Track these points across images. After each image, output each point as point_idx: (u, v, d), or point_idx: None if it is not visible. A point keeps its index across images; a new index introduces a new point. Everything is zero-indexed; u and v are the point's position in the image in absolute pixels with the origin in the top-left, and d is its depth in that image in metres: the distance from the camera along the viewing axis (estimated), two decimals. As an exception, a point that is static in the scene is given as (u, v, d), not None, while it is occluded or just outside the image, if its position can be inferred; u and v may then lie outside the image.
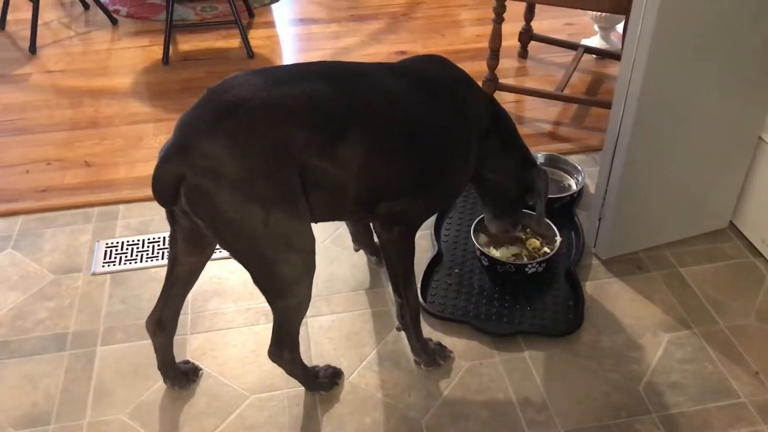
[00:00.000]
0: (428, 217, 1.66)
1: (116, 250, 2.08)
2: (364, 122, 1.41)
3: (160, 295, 1.57)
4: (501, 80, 2.65)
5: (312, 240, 1.42)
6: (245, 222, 1.31)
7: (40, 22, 3.22)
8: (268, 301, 1.47)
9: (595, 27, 3.11)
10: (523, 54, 3.08)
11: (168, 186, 1.31)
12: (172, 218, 1.43)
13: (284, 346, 1.54)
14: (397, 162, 1.49)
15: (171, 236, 1.48)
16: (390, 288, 1.74)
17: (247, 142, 1.29)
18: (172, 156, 1.30)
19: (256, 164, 1.29)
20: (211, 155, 1.27)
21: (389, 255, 1.61)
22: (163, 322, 1.58)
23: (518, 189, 1.74)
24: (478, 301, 1.88)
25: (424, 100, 1.51)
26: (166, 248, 2.08)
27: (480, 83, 2.56)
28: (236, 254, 1.40)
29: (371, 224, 1.61)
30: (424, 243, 2.08)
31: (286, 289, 1.43)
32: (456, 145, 1.56)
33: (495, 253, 1.94)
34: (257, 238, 1.34)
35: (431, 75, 1.56)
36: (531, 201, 1.75)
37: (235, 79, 1.36)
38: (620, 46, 2.87)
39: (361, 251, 2.04)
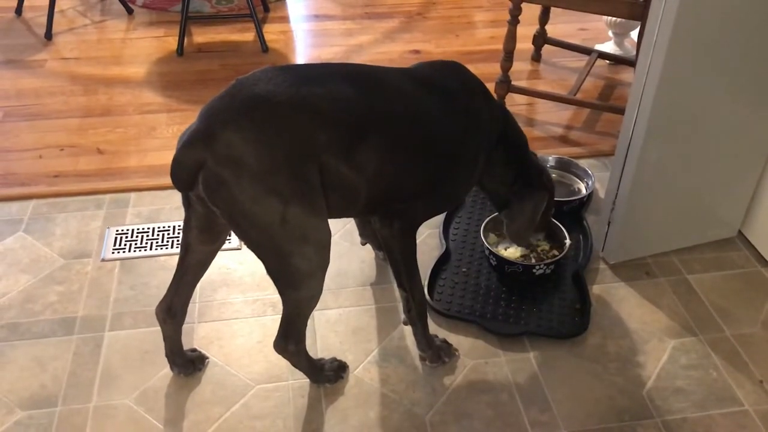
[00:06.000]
0: (428, 218, 1.68)
1: (126, 237, 2.10)
2: (384, 128, 1.43)
3: (171, 283, 1.59)
4: (514, 82, 2.65)
5: (328, 234, 1.43)
6: (262, 214, 1.32)
7: (56, 9, 3.23)
8: (280, 292, 1.47)
9: (609, 33, 3.11)
10: (537, 57, 3.08)
11: (187, 171, 1.32)
12: (187, 203, 1.44)
13: (290, 339, 1.55)
14: (410, 168, 1.50)
15: (185, 223, 1.49)
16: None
17: (271, 136, 1.30)
18: (195, 141, 1.31)
19: (278, 158, 1.30)
20: (234, 145, 1.28)
21: (390, 250, 1.62)
22: (173, 310, 1.59)
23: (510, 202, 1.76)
24: (485, 301, 1.89)
25: (442, 110, 1.53)
26: (176, 237, 2.09)
27: (493, 85, 2.57)
28: (251, 244, 1.40)
29: (371, 220, 1.62)
30: (432, 241, 2.09)
31: (299, 281, 1.44)
32: (466, 156, 1.59)
33: (503, 252, 1.95)
34: (274, 230, 1.34)
35: (450, 85, 1.58)
36: (504, 218, 1.77)
37: (264, 73, 1.37)
38: (634, 53, 2.87)
39: (369, 246, 2.04)
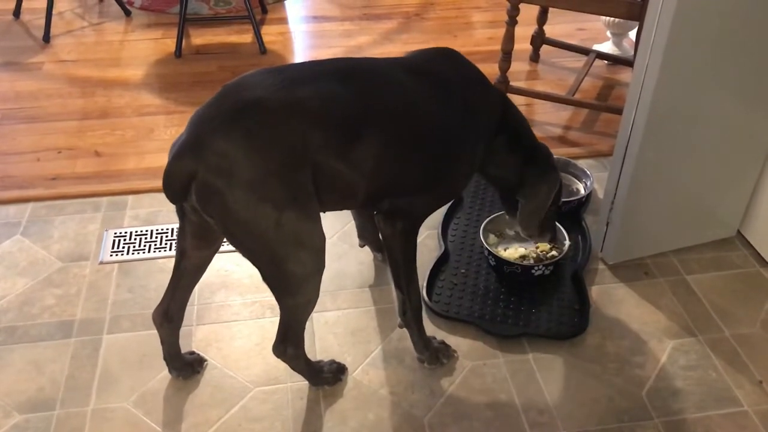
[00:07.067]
0: (430, 213, 1.65)
1: (124, 239, 2.09)
2: (379, 124, 1.41)
3: (167, 288, 1.58)
4: (512, 83, 2.65)
5: (322, 238, 1.42)
6: (257, 222, 1.31)
7: (54, 11, 3.23)
8: (276, 298, 1.47)
9: (608, 33, 3.11)
10: (535, 58, 3.08)
11: (179, 182, 1.30)
12: (181, 213, 1.43)
13: (289, 343, 1.54)
14: (408, 162, 1.49)
15: (180, 230, 1.48)
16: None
17: (262, 142, 1.29)
18: (184, 152, 1.29)
19: (270, 165, 1.29)
20: (225, 153, 1.27)
21: (391, 250, 1.61)
22: (170, 314, 1.59)
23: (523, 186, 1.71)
24: (484, 302, 1.89)
25: (438, 101, 1.51)
26: (174, 239, 2.09)
27: (491, 85, 2.57)
28: (246, 252, 1.40)
29: (375, 219, 1.61)
30: (431, 242, 2.08)
31: (295, 286, 1.44)
32: (464, 146, 1.56)
33: (502, 253, 1.94)
34: (268, 237, 1.34)
35: (445, 74, 1.55)
36: (520, 198, 1.71)
37: (252, 78, 1.36)
38: (632, 53, 2.87)
39: (367, 248, 2.04)
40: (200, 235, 1.47)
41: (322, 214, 1.44)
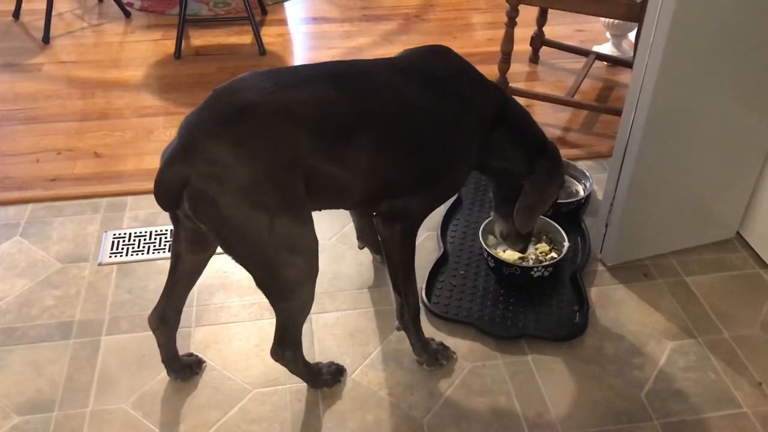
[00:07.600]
0: (428, 213, 1.64)
1: (123, 241, 2.09)
2: (371, 126, 1.41)
3: (163, 291, 1.58)
4: (511, 84, 2.65)
5: (315, 242, 1.42)
6: (250, 228, 1.31)
7: (53, 12, 3.23)
8: (271, 302, 1.47)
9: (607, 34, 3.11)
10: (534, 59, 3.08)
11: (171, 190, 1.30)
12: (175, 218, 1.42)
13: (286, 346, 1.54)
14: (403, 162, 1.49)
15: (174, 235, 1.48)
16: (393, 287, 1.74)
17: (253, 148, 1.28)
18: (175, 159, 1.29)
19: (262, 170, 1.28)
20: (216, 160, 1.26)
21: (390, 252, 1.61)
22: (166, 318, 1.59)
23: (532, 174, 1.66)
24: (483, 303, 1.89)
25: (431, 100, 1.50)
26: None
27: (490, 86, 2.57)
28: (239, 258, 1.39)
29: (373, 221, 1.61)
30: (430, 244, 2.08)
31: (289, 291, 1.43)
32: (460, 144, 1.55)
33: (501, 254, 1.94)
34: (261, 243, 1.33)
35: (437, 72, 1.53)
36: (527, 185, 1.66)
37: (242, 82, 1.35)
38: (631, 54, 2.87)
39: (366, 249, 2.04)
40: (195, 239, 1.46)
41: (320, 215, 1.44)
